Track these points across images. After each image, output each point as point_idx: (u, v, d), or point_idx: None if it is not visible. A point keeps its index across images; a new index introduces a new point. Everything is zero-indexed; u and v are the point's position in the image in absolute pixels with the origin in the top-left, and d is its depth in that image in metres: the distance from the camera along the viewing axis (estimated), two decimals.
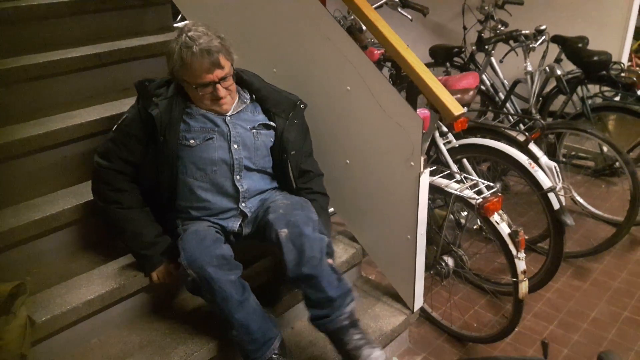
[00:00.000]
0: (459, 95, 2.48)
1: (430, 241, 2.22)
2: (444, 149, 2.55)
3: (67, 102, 2.23)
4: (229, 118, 1.87)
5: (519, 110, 3.42)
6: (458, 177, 2.20)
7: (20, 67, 2.10)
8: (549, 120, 3.38)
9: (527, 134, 2.55)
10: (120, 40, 2.46)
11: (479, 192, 2.08)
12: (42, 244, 1.88)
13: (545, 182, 2.30)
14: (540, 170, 2.32)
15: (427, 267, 2.32)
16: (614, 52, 3.24)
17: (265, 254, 2.07)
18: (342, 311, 1.73)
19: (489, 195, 2.03)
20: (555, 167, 2.56)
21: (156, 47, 2.47)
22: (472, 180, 2.15)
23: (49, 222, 1.84)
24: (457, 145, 2.60)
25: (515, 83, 3.15)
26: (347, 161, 2.19)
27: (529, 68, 2.94)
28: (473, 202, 2.02)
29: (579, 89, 3.09)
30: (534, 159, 2.56)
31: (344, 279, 1.79)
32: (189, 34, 1.72)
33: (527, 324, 2.49)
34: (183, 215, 1.88)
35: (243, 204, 1.89)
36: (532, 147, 2.59)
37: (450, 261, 2.26)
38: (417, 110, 2.15)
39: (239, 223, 1.90)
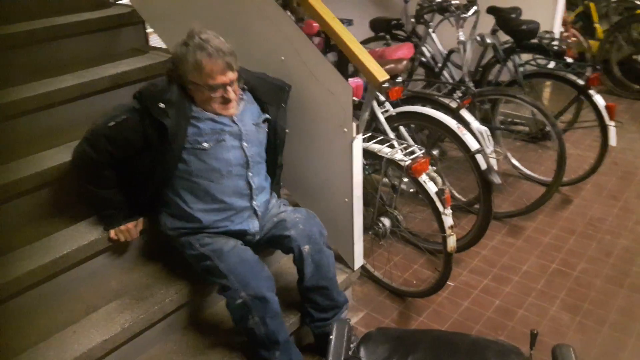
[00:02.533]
0: (392, 65, 2.59)
1: (367, 203, 2.34)
2: (381, 117, 2.65)
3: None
4: (237, 117, 1.89)
5: (456, 80, 3.56)
6: (393, 143, 2.31)
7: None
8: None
9: (458, 100, 2.68)
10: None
11: (411, 156, 2.20)
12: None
13: (473, 144, 2.44)
14: (468, 134, 2.46)
15: (366, 228, 2.45)
16: (545, 22, 3.40)
17: None
18: (340, 315, 2.06)
19: (417, 157, 2.15)
20: (485, 132, 2.71)
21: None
22: (403, 144, 2.27)
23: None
24: (394, 114, 2.71)
25: (449, 53, 3.28)
26: (287, 130, 2.28)
27: (461, 37, 3.07)
28: (402, 164, 2.14)
29: (513, 57, 3.25)
30: (466, 124, 2.71)
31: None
32: (202, 36, 1.74)
33: (463, 279, 2.65)
34: (197, 226, 1.87)
35: (255, 202, 1.92)
36: (464, 112, 2.73)
37: (387, 222, 2.39)
38: (350, 79, 2.23)
39: (257, 222, 1.93)
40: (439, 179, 2.52)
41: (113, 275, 2.00)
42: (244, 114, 1.92)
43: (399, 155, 2.19)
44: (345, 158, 2.12)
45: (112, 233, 1.89)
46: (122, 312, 1.82)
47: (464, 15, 3.03)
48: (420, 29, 3.58)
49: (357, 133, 2.07)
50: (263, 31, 2.14)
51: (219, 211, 1.86)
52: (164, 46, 2.63)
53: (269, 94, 1.99)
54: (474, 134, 2.68)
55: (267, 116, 1.99)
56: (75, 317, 1.81)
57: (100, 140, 1.78)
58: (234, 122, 1.87)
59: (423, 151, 2.21)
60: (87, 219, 1.97)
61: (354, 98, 2.46)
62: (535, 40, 3.24)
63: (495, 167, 2.76)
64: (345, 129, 2.07)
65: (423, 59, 3.64)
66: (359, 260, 2.33)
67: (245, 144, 1.89)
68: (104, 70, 2.38)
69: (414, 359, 1.29)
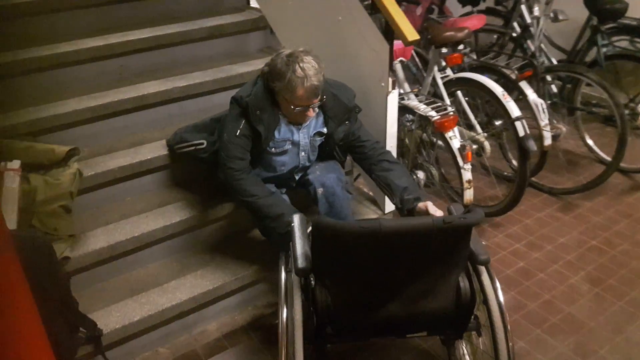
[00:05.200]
0: (452, 33, 2.79)
1: (403, 155, 2.61)
2: (439, 80, 2.87)
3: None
4: (302, 128, 2.16)
5: (552, 60, 3.58)
6: (432, 102, 2.54)
7: None
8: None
9: (516, 72, 2.80)
10: None
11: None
12: (96, 127, 2.52)
13: (514, 111, 2.57)
14: (512, 102, 2.59)
15: None
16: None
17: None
18: None
19: (446, 114, 2.37)
20: (541, 104, 2.80)
21: None
22: (439, 104, 2.49)
23: (101, 109, 2.47)
24: (453, 79, 2.91)
25: (525, 28, 3.32)
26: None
27: (536, 13, 3.11)
28: (431, 119, 2.37)
29: (596, 37, 3.21)
30: (524, 95, 2.83)
31: None
32: (301, 65, 1.93)
33: (496, 240, 2.81)
34: None
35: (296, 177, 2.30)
36: (523, 84, 2.84)
37: (420, 174, 2.63)
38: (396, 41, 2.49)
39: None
40: (486, 144, 2.72)
41: None
42: (308, 126, 2.18)
43: (430, 112, 2.42)
44: (381, 110, 2.41)
45: None
46: None
47: None
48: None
49: (393, 88, 2.35)
50: None
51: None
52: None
53: (336, 111, 2.16)
54: (531, 105, 2.81)
55: (324, 130, 2.19)
56: None
57: (236, 150, 2.06)
58: (298, 133, 2.15)
59: (453, 110, 2.41)
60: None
61: (402, 59, 2.74)
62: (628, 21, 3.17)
63: (549, 139, 2.85)
64: (383, 84, 2.36)
65: (514, 34, 3.70)
66: (390, 205, 2.62)
67: (302, 154, 2.21)
68: (203, 23, 2.91)
69: None
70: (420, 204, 1.93)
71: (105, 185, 2.36)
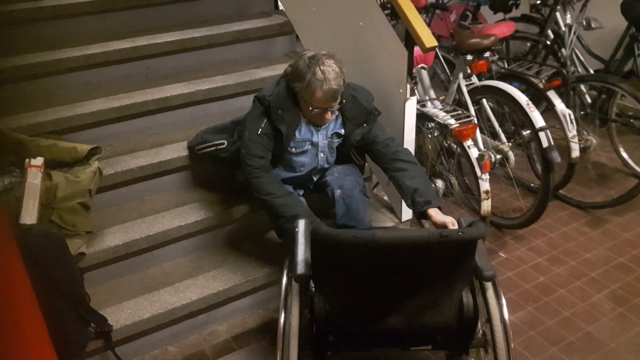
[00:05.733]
0: (477, 40, 2.73)
1: (421, 164, 2.56)
2: (463, 87, 2.82)
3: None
4: (322, 130, 2.17)
5: (589, 69, 3.46)
6: (453, 110, 2.49)
7: None
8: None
9: (543, 81, 2.72)
10: None
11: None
12: (120, 127, 2.58)
13: (539, 121, 2.50)
14: (536, 112, 2.52)
15: None
16: None
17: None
18: None
19: (466, 123, 2.32)
20: (569, 115, 2.71)
21: None
22: (459, 112, 2.44)
23: (125, 109, 2.53)
24: (479, 86, 2.85)
25: (557, 36, 3.22)
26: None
27: (568, 21, 3.01)
28: (450, 127, 2.33)
29: (633, 45, 3.09)
30: (551, 105, 2.75)
31: None
32: (322, 67, 1.93)
33: (517, 253, 2.73)
34: None
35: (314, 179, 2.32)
36: (551, 94, 2.75)
37: (439, 183, 2.59)
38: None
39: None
40: (510, 155, 2.66)
41: None
42: (327, 128, 2.18)
43: (449, 120, 2.38)
44: (399, 117, 2.38)
45: None
46: None
47: None
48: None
49: (411, 95, 2.32)
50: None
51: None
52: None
53: (355, 113, 2.14)
54: (559, 115, 2.73)
55: (342, 132, 2.18)
56: None
57: (257, 149, 2.06)
58: (318, 134, 2.15)
59: (472, 118, 2.36)
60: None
61: (424, 65, 2.70)
62: None
63: (577, 151, 2.76)
64: (401, 90, 2.33)
65: (548, 42, 3.60)
66: (407, 214, 2.59)
67: (320, 155, 2.22)
68: (229, 27, 2.95)
69: None
70: (430, 210, 1.90)
71: (125, 184, 2.41)
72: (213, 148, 2.33)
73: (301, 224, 1.75)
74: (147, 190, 2.49)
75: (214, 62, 2.95)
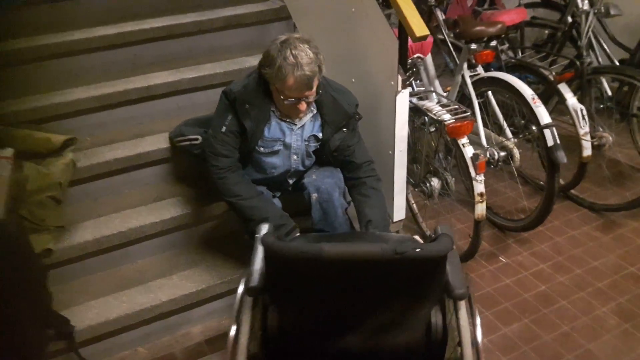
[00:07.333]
0: (482, 27, 2.53)
1: (416, 161, 2.40)
2: (467, 79, 2.62)
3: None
4: (296, 128, 2.00)
5: (614, 59, 3.21)
6: (449, 104, 2.31)
7: None
8: None
9: (554, 73, 2.50)
10: None
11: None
12: (102, 116, 2.49)
13: (544, 117, 2.29)
14: (542, 107, 2.32)
15: (415, 185, 2.51)
16: None
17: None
18: None
19: (461, 119, 2.14)
20: (581, 110, 2.50)
21: None
22: (456, 106, 2.26)
23: (105, 99, 2.43)
24: (485, 78, 2.65)
25: (573, 23, 2.97)
26: (352, 80, 2.43)
27: (585, 7, 2.76)
28: (444, 123, 2.15)
29: None
30: (563, 99, 2.54)
31: None
32: (294, 52, 1.77)
33: (519, 258, 2.55)
34: None
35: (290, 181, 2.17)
36: (562, 87, 2.54)
37: (435, 182, 2.41)
38: None
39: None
40: (515, 152, 2.47)
41: None
42: (303, 128, 2.02)
43: (444, 115, 2.20)
44: (391, 110, 2.21)
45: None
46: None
47: None
48: None
49: (403, 88, 2.15)
50: None
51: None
52: None
53: (334, 116, 2.00)
54: (570, 110, 2.52)
55: (320, 135, 2.04)
56: None
57: (221, 147, 1.93)
58: (292, 133, 2.00)
59: (470, 114, 2.18)
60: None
61: (420, 55, 2.52)
62: None
63: (588, 150, 2.55)
64: (392, 82, 2.16)
65: (566, 28, 3.34)
66: (399, 214, 2.42)
67: (294, 157, 2.06)
68: (221, 12, 2.81)
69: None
70: None
71: (102, 176, 2.32)
72: (187, 143, 2.21)
73: (263, 230, 1.61)
74: (127, 183, 2.40)
75: (205, 49, 2.82)
